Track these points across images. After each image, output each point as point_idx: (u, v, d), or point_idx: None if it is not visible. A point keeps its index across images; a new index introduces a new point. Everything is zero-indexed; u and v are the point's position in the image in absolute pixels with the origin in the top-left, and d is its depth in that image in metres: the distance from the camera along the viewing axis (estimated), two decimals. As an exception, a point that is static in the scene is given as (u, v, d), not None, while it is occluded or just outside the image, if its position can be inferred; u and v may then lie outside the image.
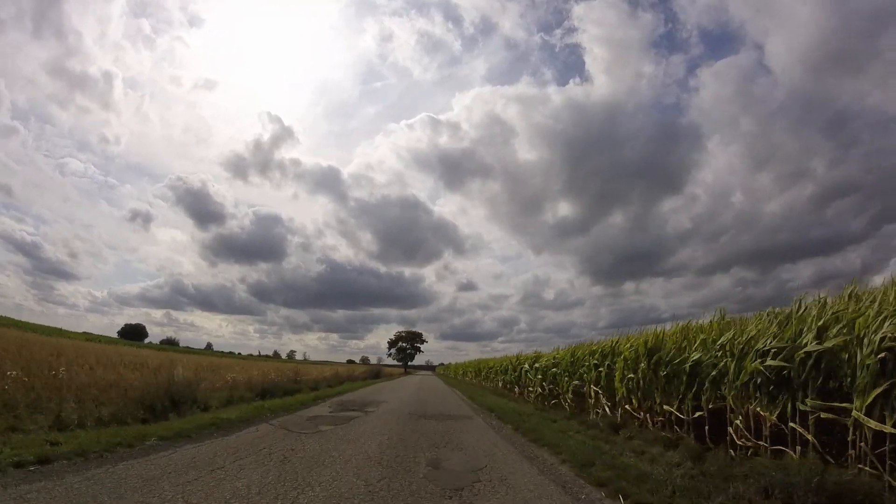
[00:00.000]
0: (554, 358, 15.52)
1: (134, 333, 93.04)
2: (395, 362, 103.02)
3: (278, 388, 16.41)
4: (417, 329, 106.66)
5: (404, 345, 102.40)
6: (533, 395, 16.74)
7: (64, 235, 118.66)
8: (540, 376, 16.05)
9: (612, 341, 11.04)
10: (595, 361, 11.48)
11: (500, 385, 23.84)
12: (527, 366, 18.07)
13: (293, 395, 16.33)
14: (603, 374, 10.94)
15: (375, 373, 40.63)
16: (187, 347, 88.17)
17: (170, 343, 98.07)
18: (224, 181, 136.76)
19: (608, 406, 10.67)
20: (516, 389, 19.67)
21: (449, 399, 17.99)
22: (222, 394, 12.50)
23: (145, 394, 9.25)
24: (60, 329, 52.90)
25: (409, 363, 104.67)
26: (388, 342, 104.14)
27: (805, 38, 74.16)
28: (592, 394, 11.69)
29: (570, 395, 13.14)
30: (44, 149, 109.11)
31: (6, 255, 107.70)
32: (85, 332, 61.34)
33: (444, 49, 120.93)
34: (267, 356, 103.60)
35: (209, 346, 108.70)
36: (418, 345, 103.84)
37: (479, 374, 33.07)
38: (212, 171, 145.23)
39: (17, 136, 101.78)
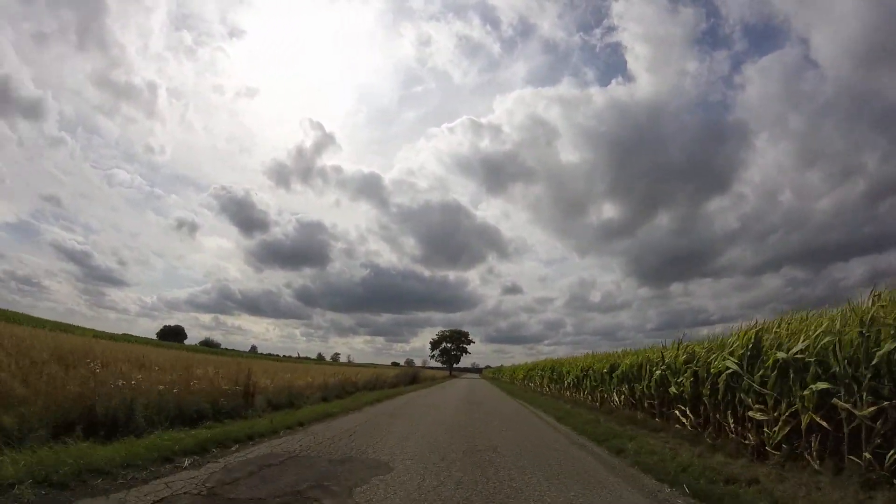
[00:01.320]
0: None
1: (173, 335, 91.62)
2: (439, 364, 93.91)
3: (182, 411, 7.08)
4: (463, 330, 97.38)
5: (448, 345, 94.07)
6: (749, 434, 6.31)
7: (112, 244, 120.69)
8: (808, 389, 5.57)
9: None
10: None
11: (616, 401, 13.39)
12: (705, 352, 7.70)
13: (221, 424, 6.98)
14: None
15: (411, 377, 30.82)
16: (233, 350, 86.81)
17: (208, 344, 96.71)
18: (267, 189, 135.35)
19: None
20: (676, 411, 9.17)
21: (546, 442, 7.84)
22: None
23: None
24: (70, 324, 48.09)
25: (455, 365, 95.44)
26: (431, 342, 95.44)
27: (851, 30, 68.65)
28: None
29: None
30: (91, 159, 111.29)
31: (58, 264, 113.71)
32: (125, 334, 58.21)
33: (483, 52, 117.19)
34: (307, 358, 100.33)
35: (254, 348, 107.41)
36: (464, 345, 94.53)
37: (560, 380, 22.43)
38: (255, 181, 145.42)
39: (65, 146, 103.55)
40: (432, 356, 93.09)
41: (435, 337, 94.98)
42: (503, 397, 21.93)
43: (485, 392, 26.14)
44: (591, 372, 16.42)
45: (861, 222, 77.11)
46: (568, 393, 20.08)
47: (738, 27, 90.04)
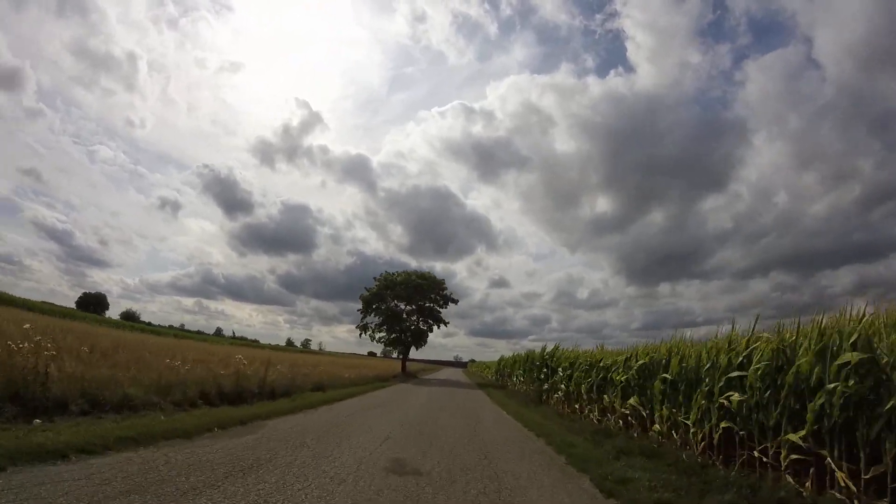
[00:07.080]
0: None
1: (94, 303, 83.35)
2: (391, 350, 47.79)
3: None
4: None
5: (399, 307, 40.58)
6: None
7: (93, 223, 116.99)
8: None
9: None
10: None
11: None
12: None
13: None
14: None
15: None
16: (199, 332, 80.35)
17: (129, 318, 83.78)
18: (251, 168, 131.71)
19: None
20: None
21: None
22: None
23: None
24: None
25: (415, 349, 42.77)
26: (362, 299, 40.34)
27: (855, 32, 65.85)
28: None
29: None
30: (70, 132, 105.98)
31: (39, 242, 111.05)
32: (44, 302, 51.53)
33: (480, 32, 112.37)
34: (278, 345, 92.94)
35: (219, 330, 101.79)
36: (437, 307, 41.83)
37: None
38: (239, 158, 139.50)
39: (43, 118, 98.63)
40: (361, 327, 40.98)
41: (373, 286, 40.91)
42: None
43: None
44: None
45: (852, 229, 75.65)
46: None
47: (744, 20, 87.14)
